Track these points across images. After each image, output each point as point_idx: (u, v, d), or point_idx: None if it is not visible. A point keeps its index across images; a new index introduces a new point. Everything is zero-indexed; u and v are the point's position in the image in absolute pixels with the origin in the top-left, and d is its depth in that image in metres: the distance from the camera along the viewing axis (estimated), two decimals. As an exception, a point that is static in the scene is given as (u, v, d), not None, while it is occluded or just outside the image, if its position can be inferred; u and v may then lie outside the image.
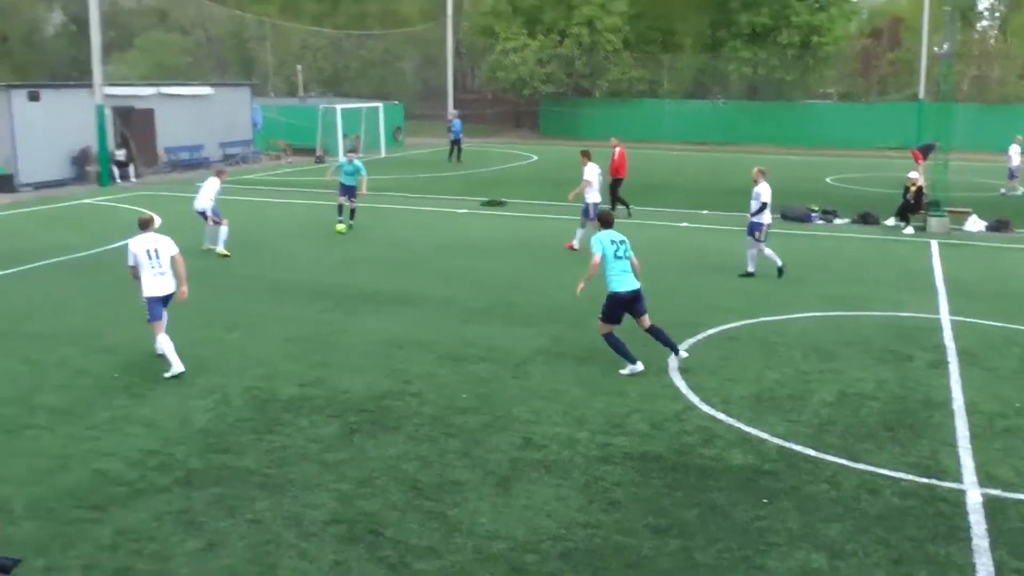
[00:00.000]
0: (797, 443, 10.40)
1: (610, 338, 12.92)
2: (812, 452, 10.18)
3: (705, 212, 28.21)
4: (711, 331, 14.92)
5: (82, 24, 74.88)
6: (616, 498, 9.07)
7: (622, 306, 12.79)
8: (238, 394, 11.96)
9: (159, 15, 78.02)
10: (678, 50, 63.10)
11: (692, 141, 57.26)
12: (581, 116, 62.02)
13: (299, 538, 8.27)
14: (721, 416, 11.23)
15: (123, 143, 38.70)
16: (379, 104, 51.05)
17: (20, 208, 29.78)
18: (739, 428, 10.86)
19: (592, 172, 22.12)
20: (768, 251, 19.20)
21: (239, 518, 8.61)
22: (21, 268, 20.24)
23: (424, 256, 21.11)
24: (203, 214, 21.96)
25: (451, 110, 52.90)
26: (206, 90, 44.75)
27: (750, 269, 19.36)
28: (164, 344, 13.00)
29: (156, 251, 13.56)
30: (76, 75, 76.05)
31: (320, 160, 44.87)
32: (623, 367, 12.87)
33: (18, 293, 17.99)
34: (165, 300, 13.39)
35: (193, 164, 42.00)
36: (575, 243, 22.07)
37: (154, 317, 13.17)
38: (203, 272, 19.25)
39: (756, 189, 19.27)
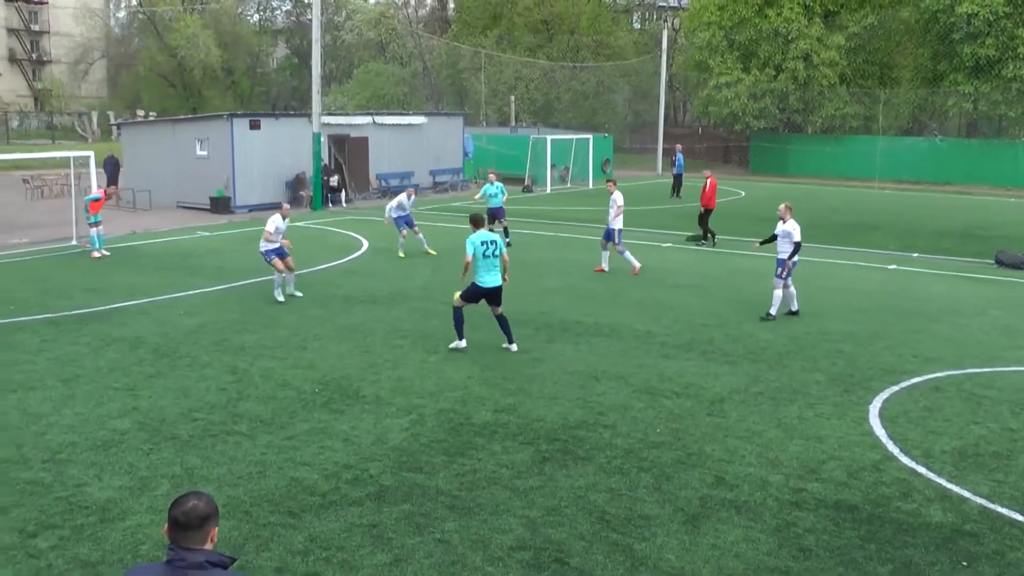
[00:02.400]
0: (1002, 505, 9.79)
1: (458, 312, 15.36)
2: (1018, 516, 9.54)
3: (915, 255, 27.14)
4: (915, 380, 14.28)
5: (304, 57, 78.45)
6: (807, 545, 8.77)
7: (482, 295, 15.29)
8: (433, 415, 12.16)
9: (378, 47, 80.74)
10: (895, 84, 61.15)
11: (905, 180, 55.16)
12: (791, 152, 60.84)
13: (485, 561, 8.31)
14: (921, 470, 10.71)
15: (336, 169, 40.15)
16: (589, 136, 51.39)
17: (234, 229, 31.24)
18: (940, 484, 10.32)
19: (620, 198, 23.05)
20: (791, 290, 18.35)
21: (427, 536, 8.74)
22: (232, 284, 21.23)
23: (625, 288, 21.03)
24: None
25: (677, 144, 52.11)
26: (419, 119, 46.00)
27: (771, 312, 18.21)
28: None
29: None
30: (296, 105, 79.66)
31: (528, 189, 45.45)
32: (454, 343, 15.44)
33: (228, 307, 18.84)
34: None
35: (403, 190, 43.09)
36: (604, 266, 23.26)
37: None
38: (409, 297, 19.74)
39: (784, 228, 18.27)
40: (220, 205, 36.03)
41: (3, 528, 8.96)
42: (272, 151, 37.64)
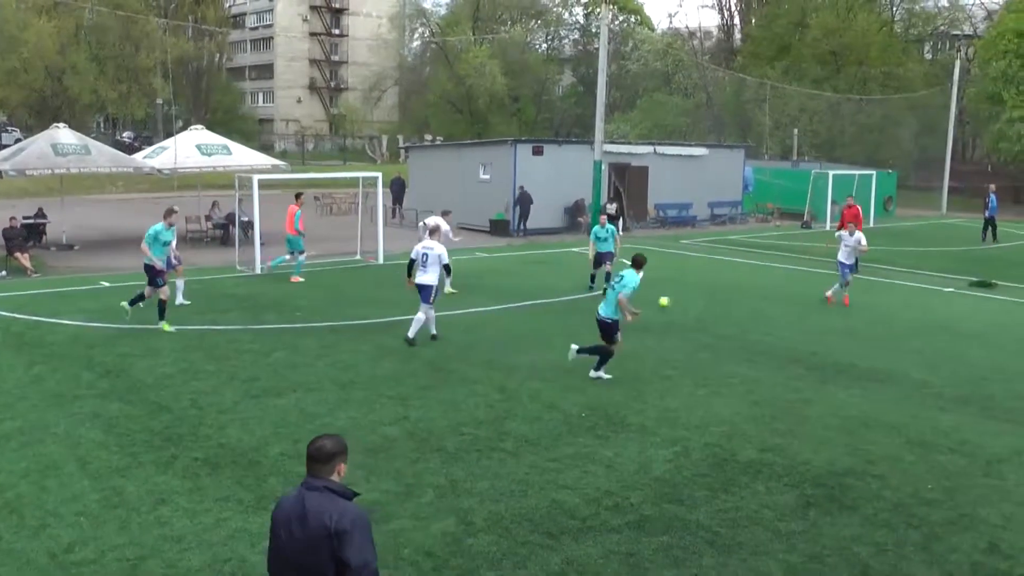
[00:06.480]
0: None
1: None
2: None
3: None
4: None
5: (589, 85, 79.54)
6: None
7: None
8: (698, 449, 12.03)
9: (664, 78, 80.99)
10: None
11: None
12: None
13: (740, 602, 8.15)
14: None
15: (615, 198, 40.47)
16: (872, 172, 49.67)
17: (511, 251, 32.04)
18: None
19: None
20: None
21: (684, 570, 8.64)
22: (508, 305, 21.83)
23: (903, 333, 20.10)
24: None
25: (990, 184, 49.08)
26: (700, 151, 45.92)
27: None
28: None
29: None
30: (579, 132, 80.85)
31: (807, 225, 44.36)
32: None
33: (502, 327, 19.38)
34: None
35: (681, 221, 43.10)
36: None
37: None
38: (682, 328, 19.60)
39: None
40: (499, 228, 37.05)
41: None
42: (553, 177, 38.39)
